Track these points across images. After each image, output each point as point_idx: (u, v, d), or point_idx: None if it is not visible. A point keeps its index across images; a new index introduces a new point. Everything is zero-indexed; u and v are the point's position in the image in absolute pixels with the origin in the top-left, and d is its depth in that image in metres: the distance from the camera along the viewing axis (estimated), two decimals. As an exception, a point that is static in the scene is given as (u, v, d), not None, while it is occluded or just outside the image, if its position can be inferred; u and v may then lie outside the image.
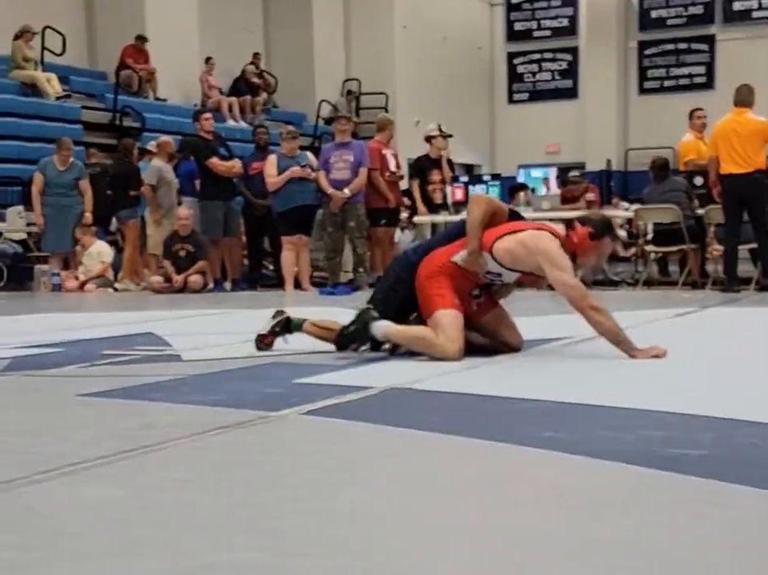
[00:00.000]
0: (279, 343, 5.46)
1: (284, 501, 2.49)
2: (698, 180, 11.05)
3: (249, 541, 2.16)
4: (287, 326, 5.44)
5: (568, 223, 5.15)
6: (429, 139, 12.27)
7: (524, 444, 3.04)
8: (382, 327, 4.99)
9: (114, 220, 13.76)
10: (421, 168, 12.15)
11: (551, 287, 5.20)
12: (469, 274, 5.08)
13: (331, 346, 5.22)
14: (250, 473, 2.81)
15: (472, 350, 5.07)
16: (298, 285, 11.65)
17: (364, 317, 5.03)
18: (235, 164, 12.15)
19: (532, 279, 5.18)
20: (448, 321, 4.94)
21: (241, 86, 19.82)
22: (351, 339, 5.07)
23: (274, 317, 5.52)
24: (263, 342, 5.48)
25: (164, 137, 13.28)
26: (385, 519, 2.35)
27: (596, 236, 5.05)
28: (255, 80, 20.18)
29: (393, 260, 6.08)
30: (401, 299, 5.22)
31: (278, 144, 12.48)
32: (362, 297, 10.49)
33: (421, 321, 5.11)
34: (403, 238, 13.80)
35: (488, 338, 5.22)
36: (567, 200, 12.04)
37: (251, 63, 20.31)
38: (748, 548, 2.07)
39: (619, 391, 4.06)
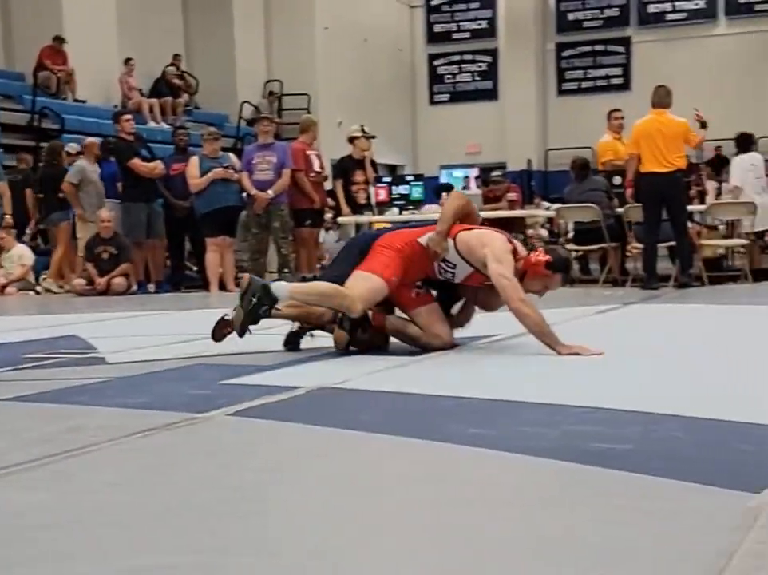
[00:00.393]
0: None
1: (212, 503, 2.48)
2: (617, 180, 11.21)
3: (177, 543, 2.15)
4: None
5: (531, 246, 5.30)
6: (352, 140, 12.28)
7: (452, 441, 3.06)
8: (285, 287, 5.01)
9: (32, 223, 13.61)
10: (345, 168, 12.16)
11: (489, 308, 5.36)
12: (425, 262, 5.16)
13: (259, 347, 5.21)
14: (177, 476, 2.79)
15: (401, 347, 5.10)
16: (222, 286, 11.59)
17: (260, 282, 5.00)
18: (157, 166, 12.04)
19: (477, 280, 5.20)
20: (371, 285, 5.00)
21: (161, 87, 19.63)
22: (257, 308, 4.93)
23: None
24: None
25: (91, 138, 13.11)
26: (315, 519, 2.35)
27: (552, 267, 5.14)
28: (176, 81, 20.00)
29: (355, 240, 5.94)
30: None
31: (199, 146, 12.41)
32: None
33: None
34: (328, 238, 13.79)
35: (420, 330, 5.25)
36: (489, 199, 12.13)
37: (172, 64, 20.12)
38: (672, 539, 2.10)
39: (543, 387, 4.10)
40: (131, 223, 11.97)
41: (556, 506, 2.39)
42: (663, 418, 3.30)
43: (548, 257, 5.14)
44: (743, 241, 11.41)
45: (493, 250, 5.03)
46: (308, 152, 11.93)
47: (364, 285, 5.00)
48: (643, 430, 3.13)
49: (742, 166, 11.52)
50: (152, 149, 12.58)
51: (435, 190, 13.65)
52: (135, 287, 12.04)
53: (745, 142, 11.85)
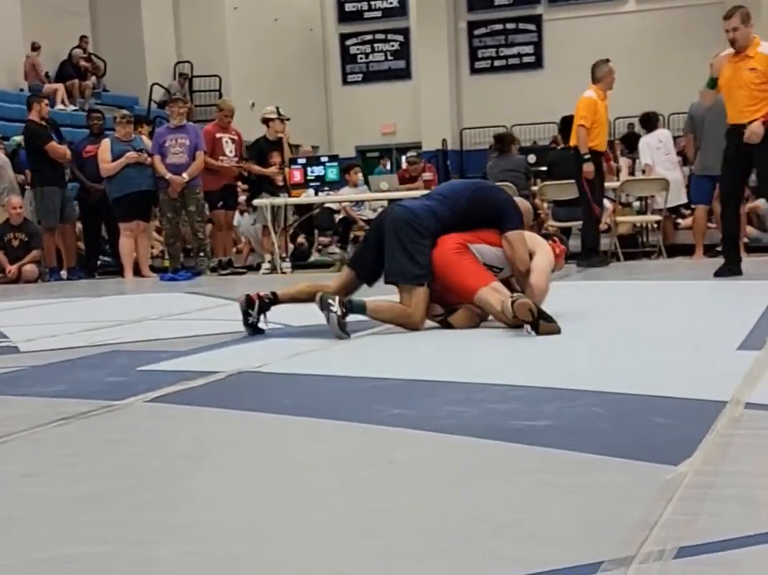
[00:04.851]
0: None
1: (131, 491, 2.45)
2: (531, 158, 11.28)
3: (96, 532, 2.12)
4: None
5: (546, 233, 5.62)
6: (266, 121, 12.20)
7: (373, 422, 3.06)
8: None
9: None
10: (260, 149, 12.07)
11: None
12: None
13: (176, 333, 5.14)
14: (94, 464, 2.75)
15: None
16: (137, 272, 11.45)
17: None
18: (66, 152, 11.82)
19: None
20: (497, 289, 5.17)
21: (68, 70, 19.30)
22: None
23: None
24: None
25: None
26: (236, 504, 2.33)
27: (567, 256, 5.84)
28: (83, 63, 19.67)
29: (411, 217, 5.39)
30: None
31: (112, 129, 12.21)
32: (205, 282, 10.48)
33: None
34: (243, 221, 13.69)
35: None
36: (405, 179, 12.15)
37: (78, 47, 19.79)
38: (592, 512, 2.12)
39: (465, 367, 4.12)
40: (45, 208, 11.73)
41: (475, 484, 2.40)
42: (581, 394, 3.33)
43: (564, 247, 5.62)
44: (657, 217, 11.58)
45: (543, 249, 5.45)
46: (219, 134, 11.84)
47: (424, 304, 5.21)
48: (561, 406, 3.16)
49: (650, 145, 11.66)
50: (61, 133, 12.35)
51: (343, 169, 13.64)
52: (47, 274, 11.83)
53: (649, 122, 11.99)
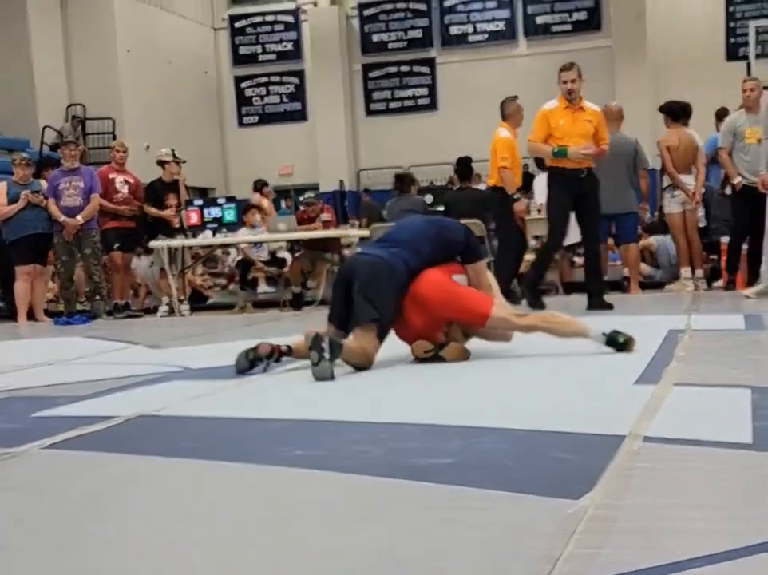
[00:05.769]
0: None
1: (29, 538, 2.40)
2: (428, 198, 11.37)
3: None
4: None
5: None
6: (162, 163, 12.11)
7: (276, 464, 3.05)
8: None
9: None
10: (156, 191, 11.97)
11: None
12: None
13: (71, 378, 5.04)
14: (-8, 514, 2.68)
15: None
16: (31, 316, 11.23)
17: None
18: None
19: None
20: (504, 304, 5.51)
21: (-43, 113, 18.94)
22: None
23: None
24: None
25: None
26: (135, 549, 2.30)
27: None
28: (-27, 106, 19.33)
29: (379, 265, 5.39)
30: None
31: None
32: (101, 325, 10.31)
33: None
34: (140, 264, 13.52)
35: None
36: (303, 221, 12.13)
37: (-33, 89, 19.45)
38: (497, 548, 2.14)
39: (367, 406, 4.12)
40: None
41: (377, 522, 2.40)
42: (484, 431, 3.36)
43: None
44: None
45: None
46: (112, 176, 11.74)
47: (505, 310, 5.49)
48: (464, 444, 3.18)
49: (543, 183, 11.85)
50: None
51: (243, 209, 13.60)
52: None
53: (541, 161, 12.21)
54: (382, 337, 5.24)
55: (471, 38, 24.61)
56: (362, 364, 5.14)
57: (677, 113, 10.77)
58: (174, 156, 12.12)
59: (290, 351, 5.34)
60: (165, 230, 11.69)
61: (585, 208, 8.70)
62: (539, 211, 11.68)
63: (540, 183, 11.77)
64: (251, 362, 5.23)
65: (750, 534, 2.13)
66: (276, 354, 5.28)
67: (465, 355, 5.39)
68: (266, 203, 15.00)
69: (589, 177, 8.70)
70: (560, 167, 8.69)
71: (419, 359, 5.37)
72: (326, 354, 4.84)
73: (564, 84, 8.72)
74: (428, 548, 2.16)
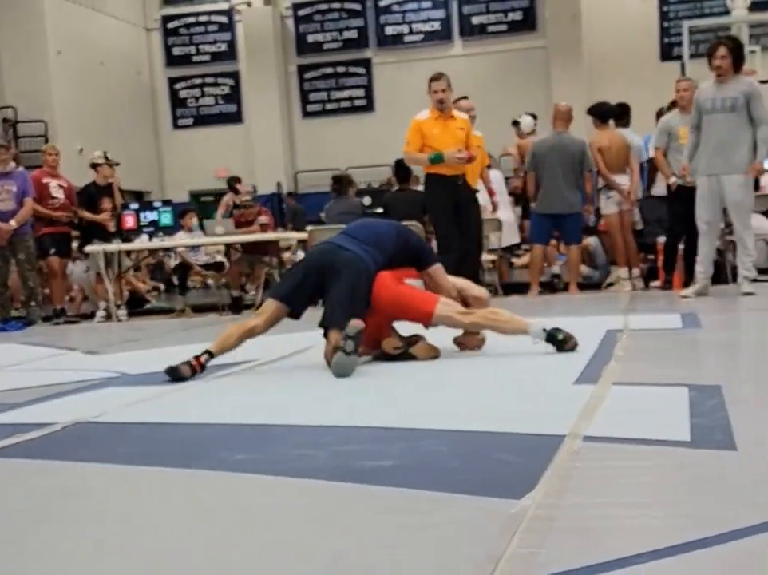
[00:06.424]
0: None
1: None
2: (367, 200, 11.38)
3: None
4: None
5: None
6: (94, 166, 11.99)
7: (218, 469, 3.03)
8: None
9: None
10: (90, 195, 11.85)
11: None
12: None
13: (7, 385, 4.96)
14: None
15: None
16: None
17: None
18: None
19: None
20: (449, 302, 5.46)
21: None
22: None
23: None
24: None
25: None
26: (76, 559, 2.27)
27: None
28: None
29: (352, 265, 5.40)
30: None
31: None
32: (37, 332, 10.17)
33: None
34: (75, 269, 13.37)
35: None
36: (241, 224, 12.08)
37: None
38: (440, 550, 2.15)
39: (310, 409, 4.12)
40: None
41: (328, 526, 2.40)
42: (427, 433, 3.37)
43: None
44: (492, 257, 11.81)
45: None
46: (45, 180, 11.59)
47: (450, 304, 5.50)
48: (406, 446, 3.18)
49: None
50: None
51: (180, 213, 13.54)
52: None
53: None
54: None
55: (407, 39, 24.65)
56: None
57: (605, 114, 10.90)
58: (106, 158, 12.01)
59: (211, 356, 5.28)
60: (101, 234, 11.58)
61: (464, 213, 8.93)
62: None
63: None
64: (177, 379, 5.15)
65: (690, 530, 2.16)
66: (199, 370, 5.20)
67: (434, 353, 5.44)
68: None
69: (465, 184, 8.98)
70: (438, 174, 8.90)
71: (387, 356, 5.42)
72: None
73: (434, 93, 8.94)
74: (367, 551, 2.17)
